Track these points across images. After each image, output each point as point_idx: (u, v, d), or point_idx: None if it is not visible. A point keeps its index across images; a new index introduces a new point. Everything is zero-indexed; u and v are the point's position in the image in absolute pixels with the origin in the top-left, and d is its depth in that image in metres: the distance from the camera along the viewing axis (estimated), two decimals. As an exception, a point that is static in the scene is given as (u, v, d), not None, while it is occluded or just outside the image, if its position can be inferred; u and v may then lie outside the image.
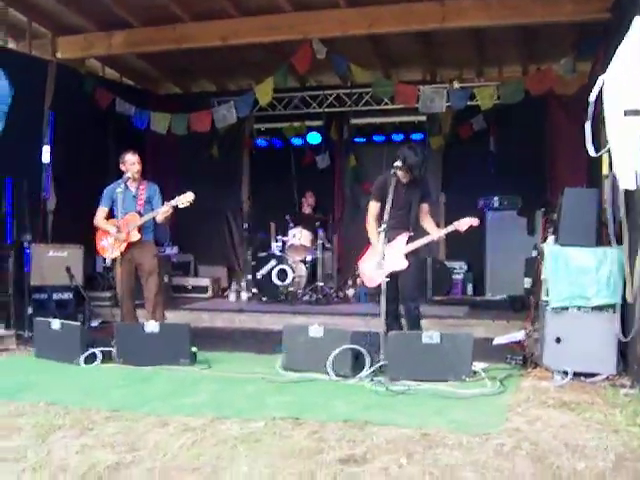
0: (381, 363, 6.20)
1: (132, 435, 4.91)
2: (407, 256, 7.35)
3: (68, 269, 9.19)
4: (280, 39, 9.88)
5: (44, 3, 9.78)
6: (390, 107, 12.06)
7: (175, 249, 12.80)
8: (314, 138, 13.07)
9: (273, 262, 11.16)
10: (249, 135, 13.56)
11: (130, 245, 7.90)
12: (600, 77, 5.97)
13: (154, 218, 7.91)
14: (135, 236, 7.88)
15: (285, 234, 11.43)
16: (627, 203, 6.03)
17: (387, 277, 6.66)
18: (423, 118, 12.24)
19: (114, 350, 7.03)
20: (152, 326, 6.91)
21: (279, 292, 11.07)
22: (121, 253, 7.89)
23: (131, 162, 7.99)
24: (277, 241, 11.46)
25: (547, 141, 11.44)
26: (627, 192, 6.02)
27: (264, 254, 11.59)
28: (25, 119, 9.04)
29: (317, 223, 11.49)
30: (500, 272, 11.09)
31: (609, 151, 5.93)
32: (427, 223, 7.53)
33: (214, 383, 6.24)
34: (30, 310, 8.64)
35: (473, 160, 11.81)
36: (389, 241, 7.03)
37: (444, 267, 11.64)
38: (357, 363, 6.30)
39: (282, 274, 11.07)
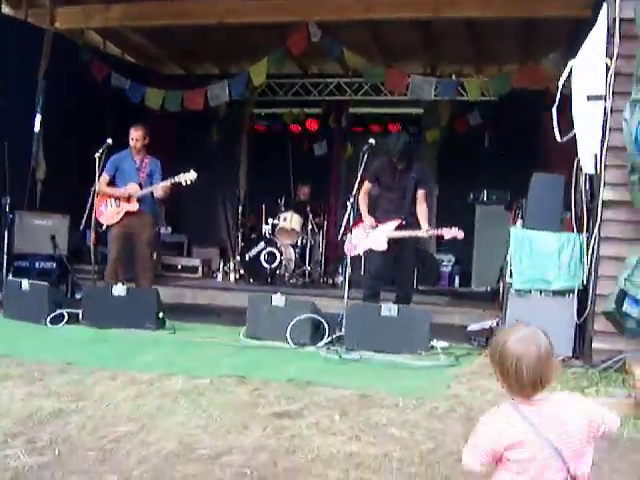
0: (339, 333, 6.29)
1: (80, 386, 5.03)
2: (394, 240, 7.47)
3: (53, 238, 9.21)
4: (277, 20, 9.96)
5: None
6: (389, 98, 12.17)
7: (169, 229, 12.91)
8: (312, 125, 13.15)
9: (262, 244, 11.21)
10: (249, 119, 13.66)
11: (128, 214, 8.05)
12: (569, 63, 6.06)
13: (152, 192, 8.06)
14: (134, 206, 8.03)
15: (276, 217, 11.50)
16: (591, 189, 6.09)
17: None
18: (420, 111, 12.36)
19: (81, 312, 7.13)
20: (120, 289, 7.03)
21: (267, 274, 11.14)
22: (119, 220, 8.04)
23: (131, 137, 8.19)
24: (267, 224, 11.52)
25: (542, 138, 11.44)
26: (591, 178, 6.10)
27: (254, 236, 11.67)
28: (18, 86, 9.14)
29: (308, 208, 11.54)
30: (486, 265, 11.11)
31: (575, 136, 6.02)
32: (421, 212, 7.62)
33: (172, 345, 6.35)
34: (10, 276, 8.62)
35: (467, 155, 11.83)
36: (381, 222, 7.42)
37: (432, 259, 11.71)
38: (317, 333, 6.39)
39: (270, 257, 11.13)
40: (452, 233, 7.41)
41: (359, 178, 7.03)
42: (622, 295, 5.17)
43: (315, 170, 12.95)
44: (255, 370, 5.42)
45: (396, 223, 7.52)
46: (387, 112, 12.71)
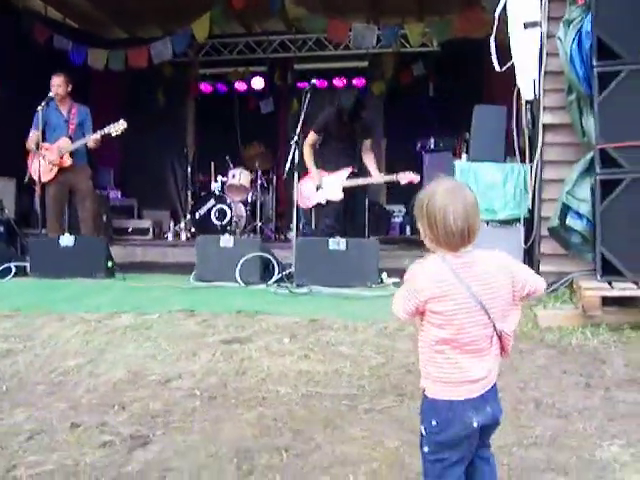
0: (289, 270, 6.31)
1: (28, 329, 5.00)
2: (344, 190, 7.49)
3: (-1, 201, 9.12)
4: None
5: None
6: (333, 53, 12.20)
7: (118, 193, 12.78)
8: (258, 83, 13.09)
9: (212, 201, 11.13)
10: (194, 80, 13.55)
11: (62, 170, 7.93)
12: (504, -8, 6.08)
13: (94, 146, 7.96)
14: (67, 161, 7.92)
15: (225, 175, 11.42)
16: (532, 116, 6.15)
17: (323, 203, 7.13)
18: (365, 64, 12.38)
19: (28, 264, 7.05)
20: (67, 240, 6.96)
21: (217, 231, 11.04)
22: (54, 177, 7.93)
23: (53, 83, 8.02)
24: (217, 181, 11.44)
25: (485, 82, 11.51)
26: (532, 105, 6.15)
27: (203, 194, 11.61)
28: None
29: (257, 164, 11.50)
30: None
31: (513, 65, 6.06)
32: (368, 160, 7.70)
33: (121, 290, 6.32)
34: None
35: (413, 105, 11.91)
36: (332, 171, 7.48)
37: (383, 210, 11.77)
38: (267, 272, 6.40)
39: (221, 214, 11.05)
40: (408, 177, 7.47)
41: (302, 117, 7.01)
42: (565, 209, 5.24)
43: (263, 127, 12.97)
44: (204, 305, 5.42)
45: (347, 172, 7.54)
46: (332, 67, 12.67)
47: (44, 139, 8.01)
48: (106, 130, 7.83)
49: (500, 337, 2.26)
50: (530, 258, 6.06)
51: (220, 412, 3.53)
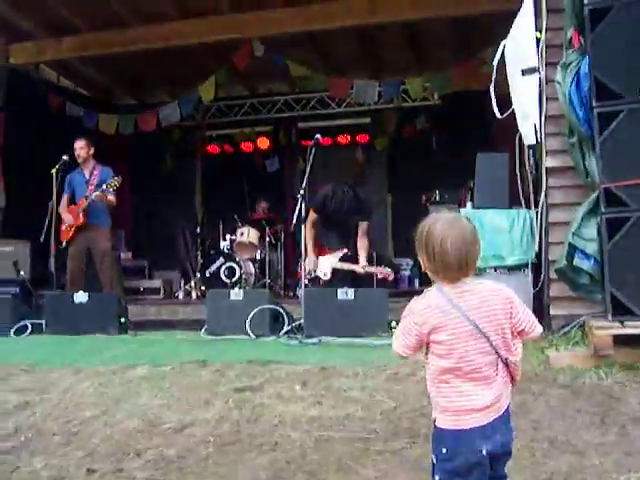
0: (298, 322, 6.34)
1: (44, 382, 5.06)
2: (334, 270, 7.69)
3: (15, 263, 9.17)
4: (220, 38, 10.06)
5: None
6: (335, 110, 12.41)
7: (129, 254, 12.88)
8: (263, 143, 13.33)
9: (221, 260, 11.21)
10: (201, 142, 13.77)
11: (78, 229, 8.15)
12: (502, 42, 6.24)
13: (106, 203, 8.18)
14: (80, 220, 8.12)
15: (234, 233, 11.53)
16: (535, 160, 6.25)
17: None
18: (367, 120, 12.55)
19: (44, 321, 7.12)
20: (81, 296, 7.05)
21: (227, 289, 11.11)
22: (72, 236, 8.14)
23: (75, 147, 8.38)
24: (225, 240, 11.54)
25: (487, 134, 11.65)
26: (534, 151, 6.25)
27: (212, 252, 11.70)
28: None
29: (264, 222, 11.61)
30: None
31: (513, 112, 6.18)
32: (360, 245, 7.81)
33: (135, 344, 6.36)
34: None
35: (417, 159, 12.02)
36: (328, 252, 7.75)
37: (390, 263, 11.74)
38: (276, 324, 6.45)
39: (230, 271, 11.10)
40: (383, 272, 7.62)
41: (307, 171, 7.14)
42: (572, 250, 5.27)
43: (269, 186, 13.12)
44: (215, 356, 5.45)
45: (340, 254, 7.75)
46: (335, 124, 12.88)
47: (73, 201, 8.27)
48: (104, 186, 8.07)
49: (507, 365, 2.30)
50: (540, 302, 6.08)
51: (234, 457, 3.56)
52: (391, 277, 7.66)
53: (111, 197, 8.13)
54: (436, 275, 2.30)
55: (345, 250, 7.74)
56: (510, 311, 2.29)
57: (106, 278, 8.17)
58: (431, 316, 2.26)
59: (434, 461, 2.32)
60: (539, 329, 2.38)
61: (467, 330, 2.24)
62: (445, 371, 2.28)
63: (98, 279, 8.30)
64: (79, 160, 8.35)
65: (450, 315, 2.24)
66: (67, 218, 8.19)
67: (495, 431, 2.26)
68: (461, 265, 2.25)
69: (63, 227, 8.30)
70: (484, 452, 2.23)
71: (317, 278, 7.76)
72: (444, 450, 2.28)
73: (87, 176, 8.30)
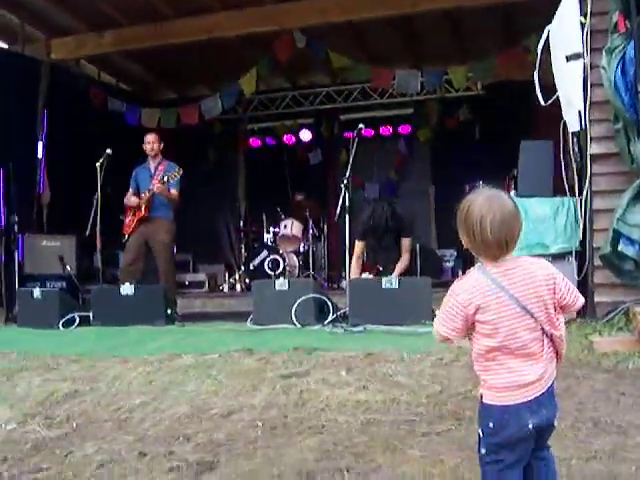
0: (343, 310, 6.39)
1: (93, 371, 5.16)
2: None
3: (61, 258, 9.32)
4: (261, 30, 10.13)
5: (36, 4, 10.08)
6: (378, 101, 12.40)
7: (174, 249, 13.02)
8: (306, 135, 13.40)
9: (265, 252, 11.30)
10: (243, 135, 13.88)
11: (140, 221, 8.24)
12: (546, 28, 6.20)
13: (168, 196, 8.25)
14: (142, 212, 8.22)
15: (277, 225, 11.61)
16: (579, 148, 6.20)
17: None
18: (410, 111, 12.53)
19: (91, 313, 7.26)
20: (127, 288, 7.17)
21: (271, 281, 11.20)
22: (133, 229, 8.25)
23: (146, 141, 8.47)
24: (269, 232, 11.63)
25: (530, 123, 11.57)
26: (578, 139, 6.20)
27: (256, 245, 11.79)
28: (19, 116, 9.41)
29: (307, 213, 11.67)
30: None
31: (558, 98, 6.14)
32: (400, 262, 7.67)
33: (181, 334, 6.46)
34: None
35: (460, 150, 11.95)
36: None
37: (434, 255, 11.78)
38: (321, 313, 6.49)
39: (274, 264, 11.19)
40: None
41: (350, 162, 7.16)
42: (617, 236, 5.25)
43: (312, 178, 13.17)
44: (261, 345, 5.52)
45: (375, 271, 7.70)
46: (378, 115, 12.85)
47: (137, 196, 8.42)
48: (164, 178, 8.11)
49: (552, 340, 2.31)
50: (584, 289, 6.04)
51: (281, 440, 3.61)
52: None
53: (174, 191, 8.17)
54: (477, 252, 2.31)
55: (379, 267, 7.67)
56: (553, 287, 2.29)
57: (164, 271, 8.24)
58: (475, 296, 2.26)
59: (480, 435, 2.34)
60: (581, 300, 2.37)
61: (512, 308, 2.24)
62: (492, 349, 2.28)
63: (154, 273, 8.37)
64: (150, 154, 8.41)
65: (494, 294, 2.25)
66: (131, 210, 8.29)
67: (541, 406, 2.28)
68: (500, 244, 2.24)
69: (127, 219, 8.41)
70: (530, 426, 2.25)
71: None
72: (491, 424, 2.29)
73: (152, 170, 8.38)
